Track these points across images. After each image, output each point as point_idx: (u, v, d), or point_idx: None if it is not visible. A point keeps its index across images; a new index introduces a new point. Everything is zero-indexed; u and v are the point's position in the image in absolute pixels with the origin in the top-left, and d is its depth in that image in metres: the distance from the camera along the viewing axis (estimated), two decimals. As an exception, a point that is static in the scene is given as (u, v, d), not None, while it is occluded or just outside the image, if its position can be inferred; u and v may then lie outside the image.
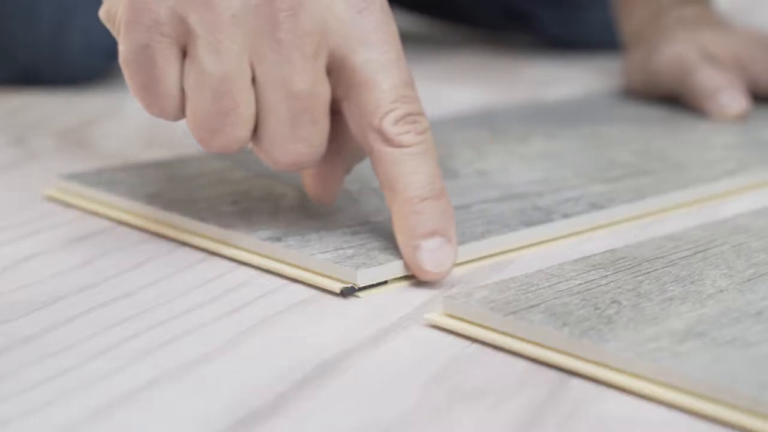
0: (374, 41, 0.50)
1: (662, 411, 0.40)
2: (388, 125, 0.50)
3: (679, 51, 0.82)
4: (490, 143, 0.71)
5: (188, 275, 0.51)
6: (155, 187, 0.60)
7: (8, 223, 0.57)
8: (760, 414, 0.38)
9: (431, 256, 0.49)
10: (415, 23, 1.18)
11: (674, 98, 0.82)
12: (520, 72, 1.01)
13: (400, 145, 0.50)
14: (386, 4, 0.51)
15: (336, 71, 0.50)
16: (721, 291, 0.47)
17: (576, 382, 0.42)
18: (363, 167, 0.64)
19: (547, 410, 0.40)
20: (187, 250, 0.54)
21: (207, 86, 0.49)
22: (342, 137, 0.53)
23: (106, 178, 0.61)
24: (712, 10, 0.88)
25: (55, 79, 0.86)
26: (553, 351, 0.43)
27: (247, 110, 0.49)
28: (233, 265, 0.52)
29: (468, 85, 0.95)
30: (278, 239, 0.52)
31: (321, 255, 0.51)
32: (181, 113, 0.50)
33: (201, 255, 0.53)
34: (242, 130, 0.49)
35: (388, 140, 0.50)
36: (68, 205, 0.60)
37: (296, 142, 0.49)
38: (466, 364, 0.43)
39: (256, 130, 0.50)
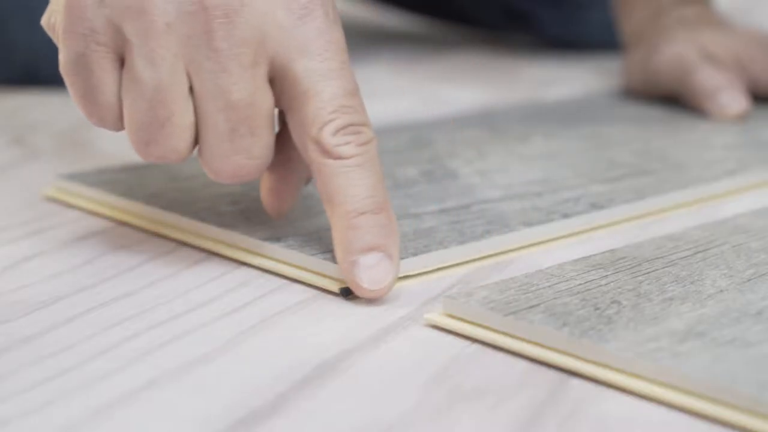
0: (315, 49, 0.48)
1: (662, 411, 0.40)
2: (327, 136, 0.48)
3: (679, 51, 0.82)
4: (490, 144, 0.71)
5: (188, 275, 0.51)
6: (155, 187, 0.60)
7: (8, 223, 0.57)
8: (760, 414, 0.38)
9: (369, 272, 0.47)
10: (415, 23, 1.18)
11: (674, 98, 0.82)
12: (520, 72, 1.01)
13: (339, 157, 0.48)
14: (331, 11, 0.49)
15: (278, 80, 0.49)
16: (721, 291, 0.47)
17: (576, 382, 0.42)
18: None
19: (547, 410, 0.40)
20: (187, 250, 0.54)
21: (142, 95, 0.48)
22: (292, 148, 0.51)
23: (106, 178, 0.61)
24: (712, 10, 0.88)
25: (55, 79, 0.86)
26: (553, 351, 0.43)
27: (183, 120, 0.48)
28: (233, 265, 0.52)
29: (468, 85, 0.95)
30: (278, 239, 0.52)
31: (321, 255, 0.51)
32: (120, 123, 0.49)
33: (201, 255, 0.53)
34: (179, 140, 0.48)
35: (326, 152, 0.48)
36: (68, 205, 0.60)
37: (235, 154, 0.48)
38: (466, 364, 0.43)
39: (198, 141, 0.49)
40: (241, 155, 0.48)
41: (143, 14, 0.47)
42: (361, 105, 0.49)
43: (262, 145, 0.49)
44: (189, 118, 0.48)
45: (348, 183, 0.48)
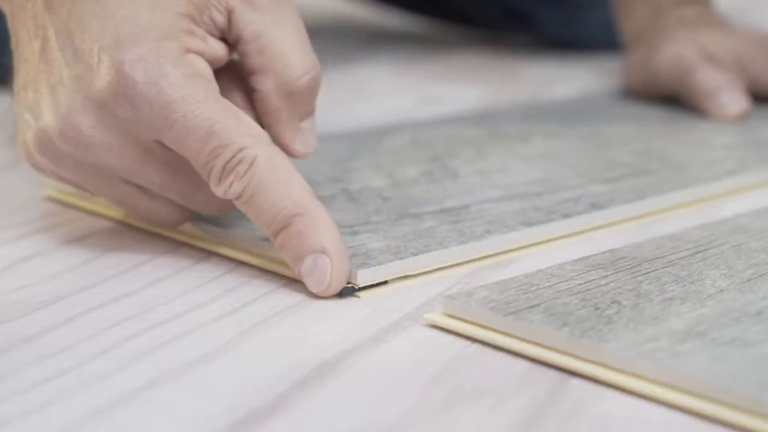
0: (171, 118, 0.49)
1: (662, 411, 0.40)
2: (216, 188, 0.49)
3: (679, 51, 0.82)
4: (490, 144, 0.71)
5: (188, 275, 0.51)
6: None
7: (8, 223, 0.57)
8: (760, 414, 0.38)
9: (310, 278, 0.48)
10: (415, 23, 1.18)
11: (674, 98, 0.82)
12: (520, 72, 1.01)
13: (235, 199, 0.49)
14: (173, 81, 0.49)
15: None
16: (721, 291, 0.47)
17: (576, 382, 0.42)
18: (363, 168, 0.64)
19: (547, 410, 0.40)
20: (187, 250, 0.54)
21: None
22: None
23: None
24: (712, 10, 0.88)
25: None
26: (553, 351, 0.43)
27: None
28: (233, 265, 0.52)
29: (468, 85, 0.95)
30: (278, 239, 0.52)
31: (321, 255, 0.51)
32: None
33: (201, 255, 0.53)
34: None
35: (224, 198, 0.49)
36: (68, 205, 0.60)
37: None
38: (466, 364, 0.43)
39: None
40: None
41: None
42: (225, 134, 0.48)
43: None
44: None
45: (253, 211, 0.49)
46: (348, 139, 0.71)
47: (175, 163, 0.50)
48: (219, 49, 0.51)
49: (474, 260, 0.53)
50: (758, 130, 0.76)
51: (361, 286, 0.49)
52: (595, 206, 0.59)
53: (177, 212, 0.53)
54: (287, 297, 0.49)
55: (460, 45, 1.12)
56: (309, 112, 0.54)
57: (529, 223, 0.56)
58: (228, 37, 0.52)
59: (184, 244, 0.55)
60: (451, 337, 0.45)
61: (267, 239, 0.52)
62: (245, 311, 0.47)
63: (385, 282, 0.50)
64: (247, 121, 0.49)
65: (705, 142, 0.73)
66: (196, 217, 0.55)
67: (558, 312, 0.45)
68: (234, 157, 0.48)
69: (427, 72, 1.00)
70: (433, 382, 0.42)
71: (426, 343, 0.45)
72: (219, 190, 0.49)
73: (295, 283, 0.50)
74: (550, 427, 0.39)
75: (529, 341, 0.44)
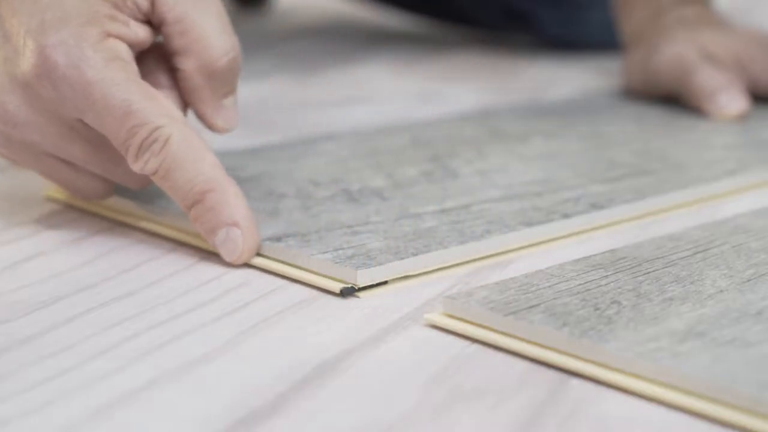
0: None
1: (662, 411, 0.40)
2: (133, 164, 0.52)
3: (679, 51, 0.82)
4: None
5: (188, 275, 0.51)
6: (155, 187, 0.60)
7: (8, 223, 0.57)
8: (760, 414, 0.38)
9: (224, 249, 0.52)
10: (415, 23, 1.18)
11: (674, 98, 0.82)
12: (520, 72, 1.01)
13: (151, 175, 0.52)
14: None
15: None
16: (721, 291, 0.47)
17: (576, 382, 0.42)
18: (363, 168, 0.64)
19: (547, 410, 0.40)
20: (187, 250, 0.54)
21: None
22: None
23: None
24: (712, 10, 0.88)
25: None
26: (553, 351, 0.43)
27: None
28: (233, 265, 0.52)
29: (468, 85, 0.95)
30: (278, 239, 0.52)
31: (321, 255, 0.51)
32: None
33: (201, 255, 0.53)
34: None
35: (143, 174, 0.53)
36: (68, 205, 0.60)
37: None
38: (466, 364, 0.43)
39: None
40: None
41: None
42: (141, 114, 0.51)
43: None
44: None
45: (169, 187, 0.52)
46: (348, 139, 0.71)
47: (96, 140, 0.53)
48: (142, 33, 0.54)
49: (474, 260, 0.53)
50: (758, 130, 0.76)
51: (361, 286, 0.49)
52: (595, 206, 0.59)
53: (101, 185, 0.56)
54: (287, 297, 0.49)
55: (460, 45, 1.12)
56: (230, 91, 0.56)
57: (529, 223, 0.56)
58: (152, 20, 0.55)
59: (184, 244, 0.55)
60: (451, 337, 0.45)
61: (267, 239, 0.52)
62: (245, 311, 0.47)
63: (385, 282, 0.50)
64: (164, 102, 0.52)
65: (705, 142, 0.73)
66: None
67: (558, 312, 0.45)
68: (150, 135, 0.51)
69: (427, 72, 1.00)
70: (433, 382, 0.42)
71: (426, 343, 0.45)
72: (136, 167, 0.52)
73: (295, 283, 0.50)
74: (550, 427, 0.39)
75: (529, 341, 0.44)
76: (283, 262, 0.51)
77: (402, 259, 0.51)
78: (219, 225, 0.51)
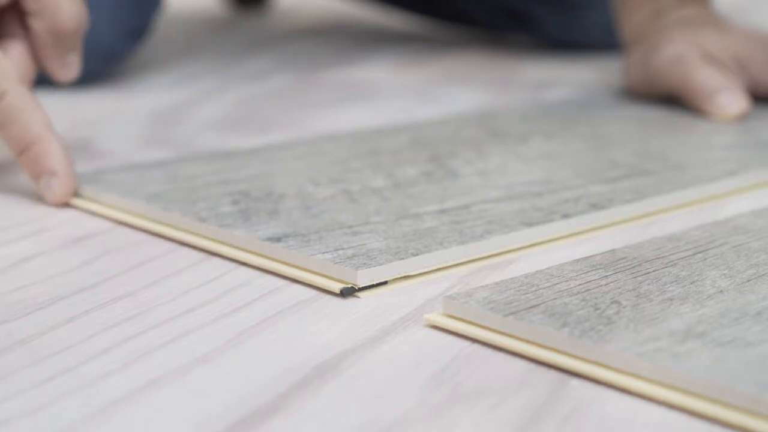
0: None
1: (662, 411, 0.40)
2: None
3: (679, 51, 0.82)
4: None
5: (188, 275, 0.51)
6: (155, 187, 0.60)
7: (8, 223, 0.57)
8: (760, 414, 0.38)
9: (46, 193, 0.60)
10: (415, 23, 1.18)
11: (674, 98, 0.82)
12: (520, 72, 1.01)
13: None
14: None
15: None
16: (721, 291, 0.47)
17: (576, 382, 0.42)
18: (363, 168, 0.64)
19: (547, 410, 0.40)
20: (187, 250, 0.54)
21: None
22: None
23: (106, 178, 0.62)
24: (711, 10, 0.88)
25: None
26: (553, 351, 0.43)
27: None
28: (233, 265, 0.52)
29: (468, 85, 0.95)
30: (278, 239, 0.52)
31: (321, 255, 0.51)
32: None
33: (201, 255, 0.54)
34: None
35: None
36: (68, 205, 0.60)
37: None
38: (465, 364, 0.43)
39: None
40: None
41: None
42: None
43: None
44: None
45: (3, 136, 0.60)
46: (348, 139, 0.71)
47: None
48: None
49: (474, 260, 0.53)
50: (758, 130, 0.76)
51: (361, 286, 0.49)
52: (595, 206, 0.59)
53: None
54: (287, 297, 0.49)
55: (460, 45, 1.12)
56: (73, 48, 0.65)
57: (530, 223, 0.56)
58: None
59: (184, 244, 0.55)
60: (450, 338, 0.45)
61: (267, 239, 0.52)
62: (245, 311, 0.47)
63: (385, 282, 0.50)
64: (3, 63, 0.60)
65: (705, 142, 0.73)
66: (199, 217, 0.55)
67: (558, 312, 0.45)
68: None
69: (427, 72, 1.00)
70: (433, 382, 0.42)
71: (426, 343, 0.45)
72: None
73: (295, 283, 0.50)
74: (550, 427, 0.39)
75: (529, 341, 0.44)
76: (283, 262, 0.51)
77: (402, 259, 0.51)
78: (42, 173, 0.60)
